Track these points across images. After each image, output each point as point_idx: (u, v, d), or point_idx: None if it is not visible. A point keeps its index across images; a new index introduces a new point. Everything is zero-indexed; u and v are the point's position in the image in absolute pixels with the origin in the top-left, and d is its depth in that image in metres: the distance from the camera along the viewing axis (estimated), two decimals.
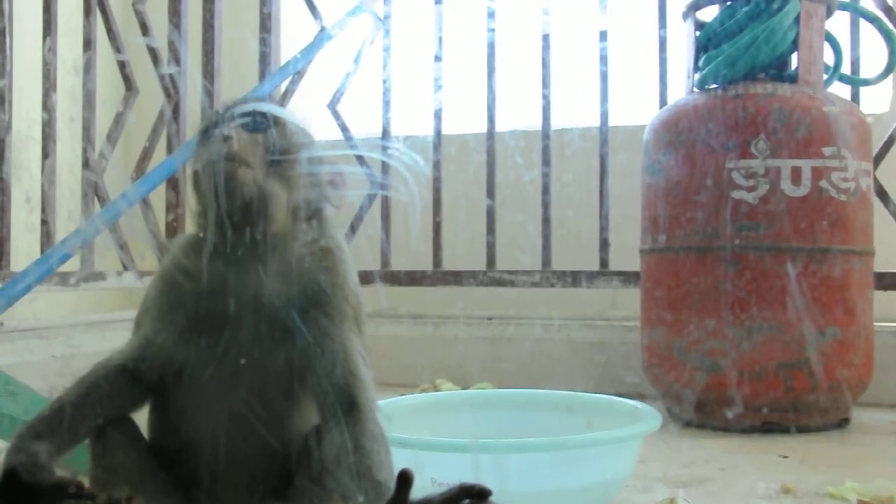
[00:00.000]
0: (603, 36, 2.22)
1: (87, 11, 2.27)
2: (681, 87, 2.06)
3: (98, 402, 0.78)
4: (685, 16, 2.03)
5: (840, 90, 2.01)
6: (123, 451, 0.79)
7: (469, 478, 0.69)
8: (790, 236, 1.74)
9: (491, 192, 2.30)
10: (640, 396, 1.65)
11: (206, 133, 0.79)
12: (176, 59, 2.38)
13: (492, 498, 0.69)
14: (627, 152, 2.32)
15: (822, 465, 1.49)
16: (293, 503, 0.77)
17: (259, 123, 0.79)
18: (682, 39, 2.06)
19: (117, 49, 2.33)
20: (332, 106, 2.38)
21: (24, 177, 2.48)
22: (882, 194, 2.04)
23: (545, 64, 2.26)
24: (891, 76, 2.07)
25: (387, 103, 2.37)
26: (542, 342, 2.40)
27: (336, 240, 0.83)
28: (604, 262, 2.21)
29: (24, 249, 2.33)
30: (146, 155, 2.34)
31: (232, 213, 0.76)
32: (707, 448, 1.62)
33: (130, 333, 0.83)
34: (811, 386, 1.74)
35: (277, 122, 0.80)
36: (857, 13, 2.05)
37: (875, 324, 1.87)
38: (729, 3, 1.93)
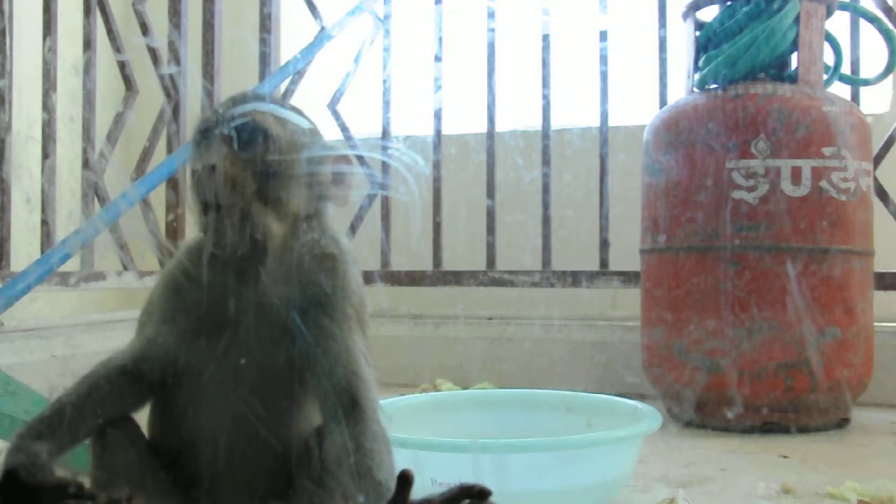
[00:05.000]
0: (603, 36, 2.22)
1: (87, 11, 2.27)
2: (681, 87, 2.06)
3: (99, 403, 0.78)
4: (685, 16, 2.03)
5: (840, 90, 2.01)
6: (123, 451, 0.78)
7: (469, 478, 0.69)
8: (790, 236, 1.74)
9: (491, 192, 2.30)
10: (641, 396, 1.65)
11: (201, 136, 0.78)
12: (176, 59, 2.38)
13: (492, 498, 0.68)
14: (627, 152, 2.32)
15: (822, 465, 1.49)
16: (294, 503, 0.77)
17: (252, 133, 0.77)
18: (682, 39, 2.06)
19: (117, 49, 2.33)
20: (332, 106, 2.38)
21: (24, 177, 2.48)
22: (882, 194, 2.04)
23: (545, 64, 2.26)
24: (891, 76, 2.07)
25: (387, 103, 2.37)
26: (542, 342, 2.40)
27: (338, 241, 0.83)
28: (604, 262, 2.21)
29: (24, 249, 2.33)
30: (146, 155, 2.34)
31: (228, 227, 0.76)
32: (707, 448, 1.62)
33: (131, 333, 0.83)
34: (811, 386, 1.74)
35: (272, 126, 0.78)
36: (857, 13, 2.05)
37: (875, 324, 1.87)
38: (729, 3, 1.93)
